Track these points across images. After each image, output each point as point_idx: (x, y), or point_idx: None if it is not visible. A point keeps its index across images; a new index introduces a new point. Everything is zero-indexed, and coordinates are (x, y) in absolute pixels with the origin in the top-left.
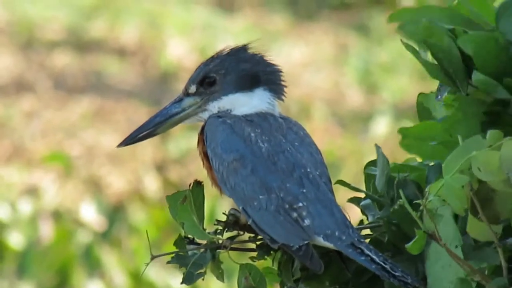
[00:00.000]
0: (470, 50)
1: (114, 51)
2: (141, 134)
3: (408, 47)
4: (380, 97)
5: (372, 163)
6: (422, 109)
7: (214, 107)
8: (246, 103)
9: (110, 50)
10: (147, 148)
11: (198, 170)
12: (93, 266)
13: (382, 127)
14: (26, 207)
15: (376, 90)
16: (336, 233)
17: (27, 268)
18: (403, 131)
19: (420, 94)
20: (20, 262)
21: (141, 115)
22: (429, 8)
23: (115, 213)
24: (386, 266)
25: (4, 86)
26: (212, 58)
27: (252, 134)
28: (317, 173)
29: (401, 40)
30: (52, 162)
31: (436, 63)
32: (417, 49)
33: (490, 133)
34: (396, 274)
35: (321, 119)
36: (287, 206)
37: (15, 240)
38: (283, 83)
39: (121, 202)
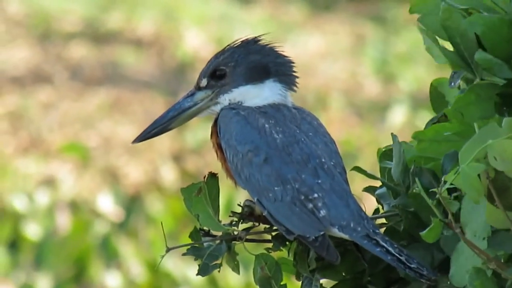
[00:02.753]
0: (479, 31)
1: (131, 42)
2: (155, 130)
3: (423, 31)
4: (397, 86)
5: (386, 153)
6: (436, 94)
7: (225, 99)
8: (257, 95)
9: (126, 41)
10: (164, 139)
11: (215, 161)
12: (110, 256)
13: (399, 117)
14: (43, 198)
15: (393, 80)
16: (351, 224)
17: (44, 259)
18: (417, 136)
19: (434, 80)
20: (37, 253)
21: (157, 106)
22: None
23: (132, 203)
24: (401, 257)
25: (21, 78)
26: (223, 51)
27: (267, 125)
28: (332, 163)
29: (418, 26)
30: (69, 153)
31: (452, 49)
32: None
33: (506, 121)
34: (412, 266)
35: (338, 109)
36: (302, 197)
37: (32, 231)
38: (294, 74)
39: (138, 193)
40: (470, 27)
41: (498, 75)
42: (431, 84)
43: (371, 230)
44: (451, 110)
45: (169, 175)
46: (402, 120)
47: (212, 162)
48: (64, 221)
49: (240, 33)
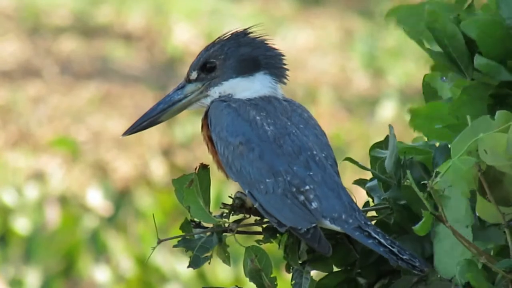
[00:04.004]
0: (474, 34)
1: (121, 36)
2: (145, 122)
3: (411, 34)
4: (386, 81)
5: (378, 145)
6: (429, 89)
7: (215, 92)
8: (247, 87)
9: (116, 35)
10: (153, 133)
11: (204, 155)
12: (100, 251)
13: (389, 111)
14: (32, 192)
15: (382, 74)
16: (343, 216)
17: (33, 253)
18: (412, 111)
19: (426, 74)
20: (26, 247)
21: (147, 100)
22: (426, 4)
23: (121, 198)
24: (393, 249)
25: (10, 72)
26: (213, 44)
27: (258, 118)
28: (323, 155)
29: (403, 29)
30: (58, 147)
31: (440, 49)
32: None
33: (499, 113)
34: (404, 257)
35: (328, 103)
36: (294, 189)
37: (22, 225)
38: (284, 66)
39: (127, 187)
40: (465, 30)
41: (496, 78)
42: (424, 79)
43: (362, 222)
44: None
45: (159, 170)
46: (392, 115)
47: (201, 156)
48: (53, 216)
49: (230, 27)
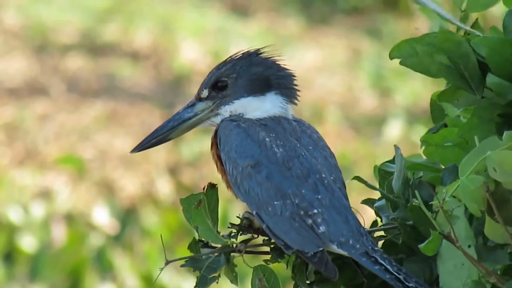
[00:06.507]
0: (484, 53)
1: (127, 54)
2: (154, 140)
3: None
4: (393, 101)
5: (385, 166)
6: (436, 107)
7: (226, 111)
8: (258, 107)
9: (123, 53)
10: (160, 151)
11: (211, 173)
12: (105, 269)
13: (395, 131)
14: (38, 210)
15: (389, 94)
16: (350, 241)
17: (39, 271)
18: (426, 139)
19: (434, 93)
20: (32, 265)
21: (154, 118)
22: (427, 36)
23: (127, 216)
24: (400, 276)
25: (17, 89)
26: (225, 62)
27: (267, 139)
28: (332, 178)
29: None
30: (65, 165)
31: (448, 66)
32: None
33: (507, 133)
34: (410, 285)
35: (334, 123)
36: (302, 212)
37: (28, 243)
38: (295, 87)
39: (133, 205)
40: (476, 48)
41: (506, 97)
42: (431, 98)
43: (370, 247)
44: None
45: (165, 188)
46: (398, 134)
47: (208, 175)
48: (59, 233)
49: (237, 46)
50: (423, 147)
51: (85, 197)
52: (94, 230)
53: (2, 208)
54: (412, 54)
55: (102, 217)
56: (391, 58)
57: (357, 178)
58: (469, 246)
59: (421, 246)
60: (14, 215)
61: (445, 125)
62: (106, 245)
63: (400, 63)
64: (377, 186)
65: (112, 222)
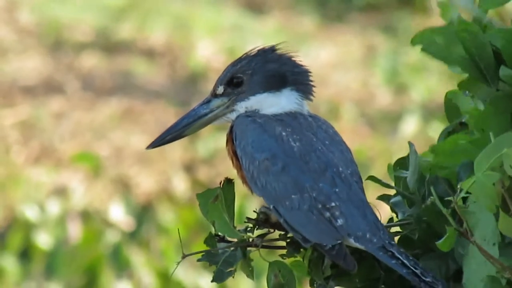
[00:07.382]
0: (499, 44)
1: (143, 52)
2: (170, 136)
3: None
4: (409, 97)
5: (400, 162)
6: (450, 106)
7: (242, 107)
8: (274, 103)
9: (138, 51)
10: (175, 148)
11: (226, 170)
12: (122, 266)
13: (411, 127)
14: (54, 207)
15: (405, 90)
16: (367, 235)
17: (55, 268)
18: (435, 149)
19: (448, 91)
20: (48, 263)
21: (169, 116)
22: (449, 26)
23: (143, 213)
24: (416, 270)
25: (33, 87)
26: (240, 59)
27: (284, 133)
28: (349, 172)
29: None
30: (80, 163)
31: (465, 57)
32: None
33: None
34: (427, 279)
35: (350, 119)
36: (320, 205)
37: (44, 240)
38: (311, 83)
39: (149, 202)
40: (491, 40)
41: None
42: (446, 96)
43: (387, 242)
44: (471, 124)
45: (181, 185)
46: (414, 131)
47: (224, 172)
48: (75, 231)
49: (252, 44)
50: (433, 157)
51: (101, 194)
52: (110, 227)
53: (19, 206)
54: (433, 42)
55: (118, 214)
56: (413, 44)
57: (372, 178)
58: (493, 244)
59: (438, 243)
60: (30, 213)
61: (460, 124)
62: (122, 242)
63: (422, 49)
64: (393, 183)
65: (128, 219)
